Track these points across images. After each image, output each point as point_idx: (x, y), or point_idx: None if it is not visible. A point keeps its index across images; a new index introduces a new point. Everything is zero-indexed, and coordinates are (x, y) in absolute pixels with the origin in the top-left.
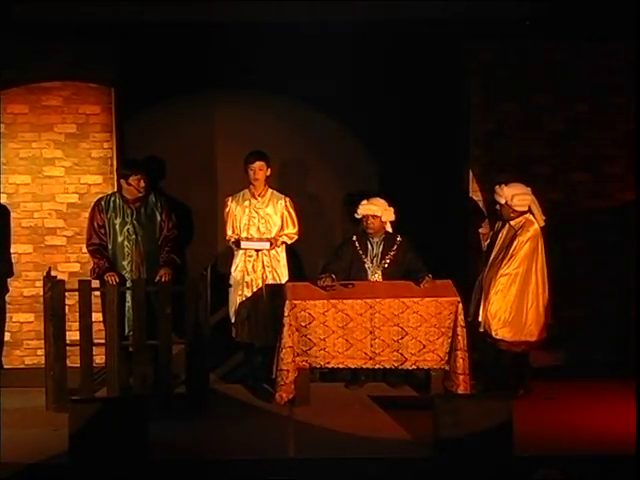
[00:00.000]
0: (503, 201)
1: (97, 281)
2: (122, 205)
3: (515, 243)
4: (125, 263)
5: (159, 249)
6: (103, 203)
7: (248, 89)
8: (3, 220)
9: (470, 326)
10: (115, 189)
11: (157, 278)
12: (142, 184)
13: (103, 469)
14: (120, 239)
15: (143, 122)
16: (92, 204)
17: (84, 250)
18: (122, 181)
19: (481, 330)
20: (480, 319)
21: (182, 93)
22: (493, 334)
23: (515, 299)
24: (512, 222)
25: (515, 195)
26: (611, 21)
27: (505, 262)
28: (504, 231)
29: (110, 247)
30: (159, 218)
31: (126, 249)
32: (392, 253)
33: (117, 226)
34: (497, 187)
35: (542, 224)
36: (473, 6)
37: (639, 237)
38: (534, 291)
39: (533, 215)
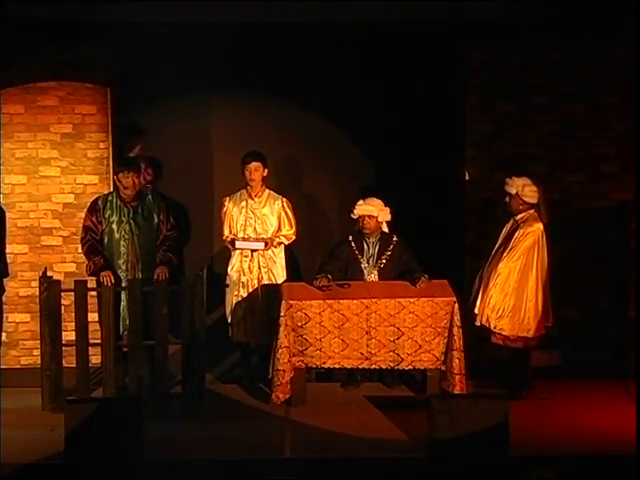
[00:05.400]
0: (514, 191)
1: (93, 279)
2: (119, 204)
3: (516, 235)
4: (121, 262)
5: (157, 249)
6: (100, 203)
7: (245, 89)
8: None
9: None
10: (111, 189)
11: (154, 277)
12: (130, 182)
13: (99, 469)
14: (116, 238)
15: (139, 122)
16: (89, 203)
17: (80, 250)
18: (115, 178)
19: (478, 324)
20: (477, 311)
21: (178, 93)
22: (492, 327)
23: (514, 292)
24: (517, 217)
25: (526, 185)
26: (606, 21)
27: (505, 254)
28: (507, 225)
29: (106, 245)
30: (156, 219)
31: (122, 248)
32: (388, 253)
33: (114, 225)
34: (508, 178)
35: (545, 221)
36: (470, 6)
37: (638, 237)
38: (534, 287)
39: (539, 213)
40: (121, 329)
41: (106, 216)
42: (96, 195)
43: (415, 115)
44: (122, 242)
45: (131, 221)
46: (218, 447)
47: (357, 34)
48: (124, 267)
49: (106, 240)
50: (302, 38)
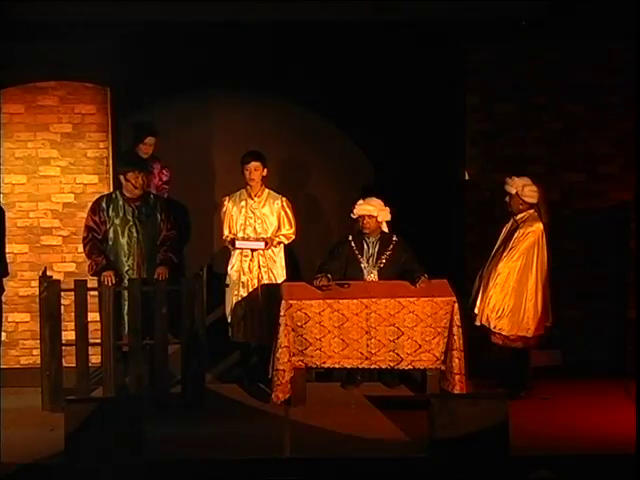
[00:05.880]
0: (514, 191)
1: (93, 279)
2: (123, 204)
3: (516, 235)
4: (126, 261)
5: (157, 249)
6: (103, 203)
7: (245, 89)
8: None
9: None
10: (111, 189)
11: (154, 277)
12: (140, 181)
13: (99, 469)
14: (121, 237)
15: (139, 122)
16: (92, 203)
17: (80, 250)
18: (121, 177)
19: (477, 323)
20: (477, 311)
21: (178, 93)
22: (491, 327)
23: (513, 292)
24: (517, 216)
25: (526, 185)
26: (606, 21)
27: (505, 254)
28: (507, 225)
29: (111, 245)
30: (159, 218)
31: (128, 248)
32: (388, 253)
33: (118, 225)
34: (508, 178)
35: (545, 221)
36: (470, 6)
37: (638, 237)
38: (533, 287)
39: (539, 213)
40: (126, 329)
41: (110, 216)
42: (96, 195)
43: (415, 115)
44: (128, 242)
45: (136, 221)
46: (218, 447)
47: (357, 34)
48: (130, 266)
49: (111, 240)
50: (302, 38)
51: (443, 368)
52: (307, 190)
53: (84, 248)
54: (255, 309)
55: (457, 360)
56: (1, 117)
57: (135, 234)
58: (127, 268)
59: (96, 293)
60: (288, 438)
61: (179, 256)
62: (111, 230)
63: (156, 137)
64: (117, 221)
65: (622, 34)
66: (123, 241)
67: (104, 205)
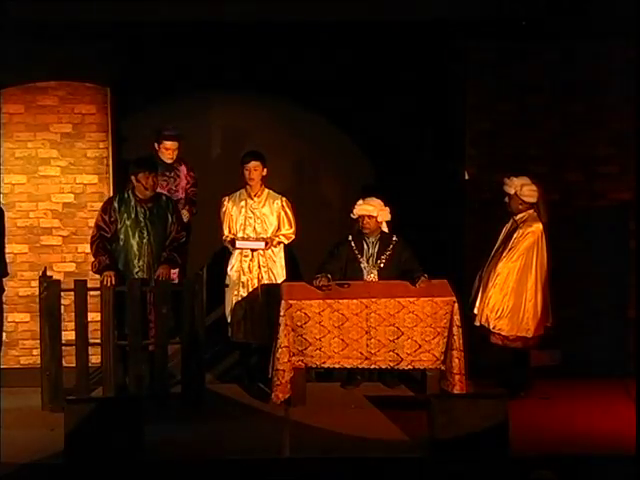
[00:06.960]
0: (512, 191)
1: (94, 278)
2: (135, 205)
3: (516, 235)
4: (137, 263)
5: (164, 249)
6: (115, 203)
7: (245, 89)
8: None
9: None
10: (111, 189)
11: (155, 276)
12: (150, 182)
13: (99, 469)
14: (132, 239)
15: (139, 122)
16: (103, 202)
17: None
18: (132, 178)
19: (477, 324)
20: (476, 311)
21: (178, 93)
22: (491, 327)
23: (513, 292)
24: (516, 217)
25: (525, 185)
26: (607, 21)
27: (505, 254)
28: (507, 225)
29: (122, 245)
30: (170, 219)
31: (138, 248)
32: (388, 253)
33: (129, 226)
34: (506, 178)
35: (545, 220)
36: (470, 6)
37: (638, 237)
38: (533, 287)
39: (538, 212)
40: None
41: (122, 216)
42: (96, 195)
43: (415, 115)
44: (138, 243)
45: (147, 222)
46: (218, 447)
47: (357, 34)
48: (140, 268)
49: (122, 241)
50: (302, 38)
51: (443, 368)
52: (307, 190)
53: (91, 246)
54: (255, 309)
55: (457, 360)
56: (1, 117)
57: (146, 235)
58: (137, 269)
59: (96, 293)
60: (288, 438)
61: (184, 259)
62: (122, 231)
63: (178, 141)
64: (128, 222)
65: (622, 34)
66: (134, 242)
67: (116, 205)
